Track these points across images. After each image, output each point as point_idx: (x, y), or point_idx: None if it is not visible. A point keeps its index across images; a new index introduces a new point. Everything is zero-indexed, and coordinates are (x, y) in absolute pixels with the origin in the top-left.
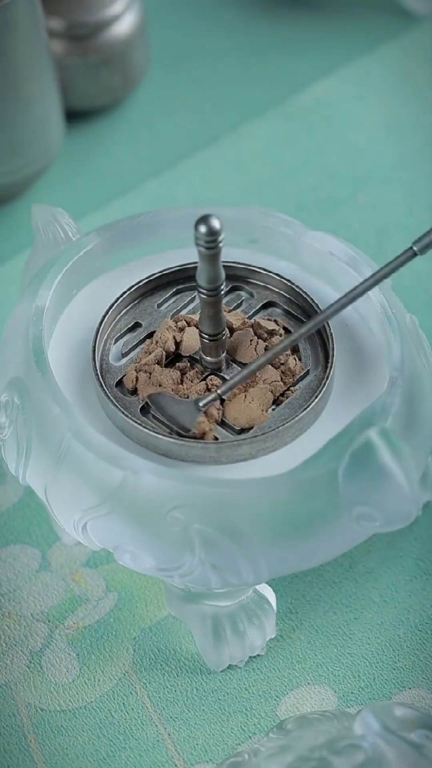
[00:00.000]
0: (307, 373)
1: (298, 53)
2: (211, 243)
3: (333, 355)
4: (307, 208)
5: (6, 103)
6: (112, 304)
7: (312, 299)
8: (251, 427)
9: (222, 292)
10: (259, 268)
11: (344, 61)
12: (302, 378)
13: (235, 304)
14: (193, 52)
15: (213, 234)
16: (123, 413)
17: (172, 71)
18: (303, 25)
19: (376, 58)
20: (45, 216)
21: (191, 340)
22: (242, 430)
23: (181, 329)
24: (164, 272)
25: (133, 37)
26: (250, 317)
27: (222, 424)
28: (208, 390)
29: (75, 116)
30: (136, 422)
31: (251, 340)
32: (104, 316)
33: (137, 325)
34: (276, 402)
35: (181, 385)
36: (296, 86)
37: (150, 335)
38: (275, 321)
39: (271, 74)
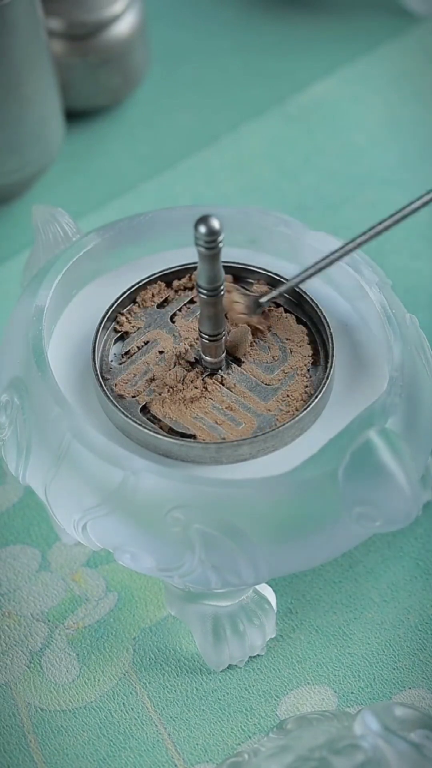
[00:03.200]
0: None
1: (298, 53)
2: (210, 243)
3: (333, 355)
4: (307, 208)
5: (6, 103)
6: (113, 304)
7: (312, 299)
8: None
9: (222, 293)
10: (259, 268)
11: (344, 61)
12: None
13: None
14: (193, 52)
15: (213, 234)
16: (123, 413)
17: (172, 71)
18: (303, 25)
19: (376, 58)
20: (45, 216)
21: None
22: (242, 437)
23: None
24: (164, 272)
25: (133, 37)
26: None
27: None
28: (207, 390)
29: (75, 116)
30: (136, 422)
31: (251, 340)
32: (104, 316)
33: (139, 323)
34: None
35: (181, 385)
36: (296, 86)
37: (151, 334)
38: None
39: (271, 74)
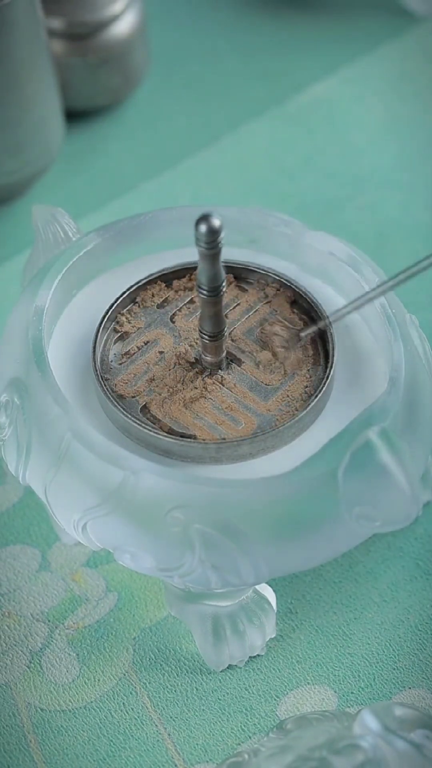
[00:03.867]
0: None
1: (298, 53)
2: (211, 242)
3: (333, 355)
4: (307, 208)
5: (6, 103)
6: (113, 304)
7: (312, 299)
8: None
9: (222, 292)
10: (259, 267)
11: (344, 61)
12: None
13: (236, 304)
14: (193, 52)
15: (213, 233)
16: (123, 413)
17: (172, 71)
18: (303, 25)
19: (376, 58)
20: (45, 216)
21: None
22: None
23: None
24: (164, 272)
25: (133, 37)
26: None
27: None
28: (207, 389)
29: (75, 116)
30: (136, 422)
31: (252, 338)
32: (104, 316)
33: (139, 322)
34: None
35: (181, 385)
36: (296, 86)
37: (151, 333)
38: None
39: (271, 74)
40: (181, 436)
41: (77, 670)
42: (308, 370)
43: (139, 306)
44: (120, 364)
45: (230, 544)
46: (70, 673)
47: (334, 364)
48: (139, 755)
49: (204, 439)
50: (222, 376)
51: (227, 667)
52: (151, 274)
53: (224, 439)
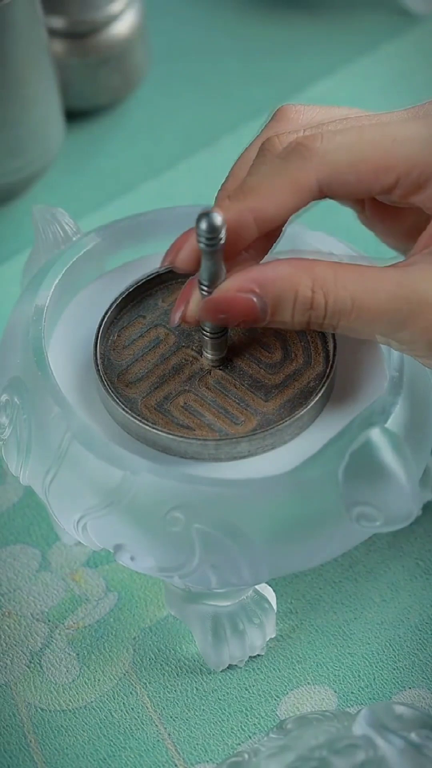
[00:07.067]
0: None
1: (298, 53)
2: (212, 239)
3: (333, 355)
4: (306, 207)
5: (6, 103)
6: (113, 304)
7: None
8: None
9: None
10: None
11: (344, 61)
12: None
13: None
14: (193, 52)
15: (214, 230)
16: (123, 409)
17: (172, 71)
18: (303, 25)
19: (376, 58)
20: (45, 216)
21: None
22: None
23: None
24: (165, 271)
25: (133, 36)
26: None
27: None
28: (207, 389)
29: (75, 116)
30: (136, 418)
31: (253, 337)
32: (105, 316)
33: (140, 321)
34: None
35: (181, 382)
36: (296, 86)
37: (152, 331)
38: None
39: (271, 74)
40: (180, 434)
41: (77, 670)
42: (309, 369)
43: (139, 305)
44: (121, 363)
45: (230, 544)
46: (70, 673)
47: (334, 364)
48: (139, 755)
49: (203, 436)
50: (223, 375)
51: (227, 667)
52: (151, 273)
53: (223, 436)
